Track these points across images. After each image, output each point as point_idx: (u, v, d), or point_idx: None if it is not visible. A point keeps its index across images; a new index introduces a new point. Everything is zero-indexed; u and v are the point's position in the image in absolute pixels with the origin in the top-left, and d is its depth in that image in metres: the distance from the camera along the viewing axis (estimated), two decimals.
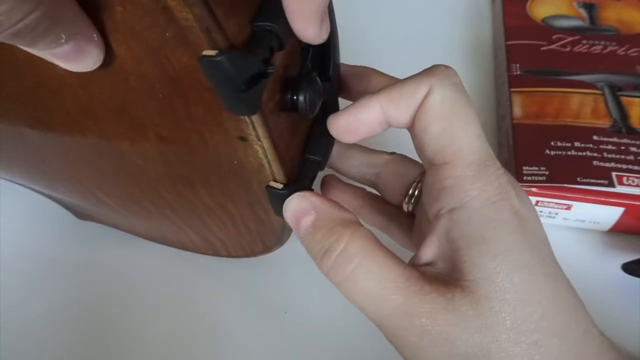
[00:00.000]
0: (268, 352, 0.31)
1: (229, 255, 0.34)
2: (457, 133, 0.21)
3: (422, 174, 0.26)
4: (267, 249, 0.31)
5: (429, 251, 0.22)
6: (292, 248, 0.35)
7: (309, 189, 0.24)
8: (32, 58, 0.18)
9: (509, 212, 0.20)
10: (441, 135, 0.21)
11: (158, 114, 0.21)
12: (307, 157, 0.24)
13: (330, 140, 0.25)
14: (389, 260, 0.20)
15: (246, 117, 0.19)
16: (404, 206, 0.27)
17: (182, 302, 0.33)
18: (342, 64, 0.26)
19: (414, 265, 0.22)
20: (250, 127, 0.20)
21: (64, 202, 0.36)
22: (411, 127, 0.22)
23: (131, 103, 0.21)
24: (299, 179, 0.24)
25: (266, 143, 0.21)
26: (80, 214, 0.36)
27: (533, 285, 0.19)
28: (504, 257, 0.20)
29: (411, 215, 0.27)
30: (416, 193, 0.26)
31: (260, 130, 0.20)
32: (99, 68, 0.19)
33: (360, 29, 0.46)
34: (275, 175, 0.22)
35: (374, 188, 0.28)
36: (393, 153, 0.28)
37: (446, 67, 0.22)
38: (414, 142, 0.23)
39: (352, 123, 0.22)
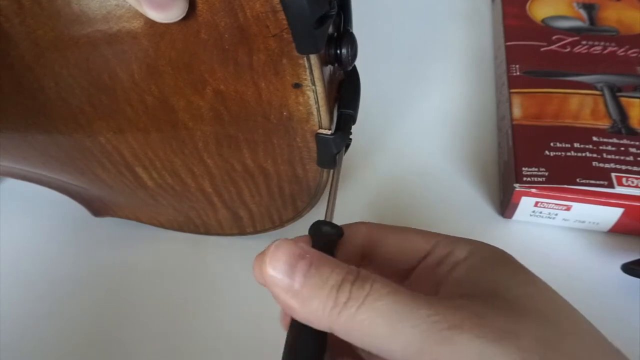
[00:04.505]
0: (269, 351, 0.31)
1: (255, 231, 0.34)
2: None
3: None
4: (298, 213, 0.32)
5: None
6: None
7: (349, 138, 0.27)
8: (109, 22, 0.21)
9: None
10: None
11: (220, 67, 0.23)
12: (342, 112, 0.27)
13: (358, 96, 0.28)
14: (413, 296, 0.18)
15: (304, 61, 0.22)
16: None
17: (181, 301, 0.34)
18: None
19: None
20: (308, 71, 0.22)
21: (83, 196, 0.35)
22: None
23: (197, 57, 0.22)
24: (337, 131, 0.26)
25: (319, 86, 0.23)
26: (99, 209, 0.36)
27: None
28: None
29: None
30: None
31: (316, 73, 0.22)
32: (176, 22, 0.21)
33: (359, 30, 0.46)
34: (322, 122, 0.24)
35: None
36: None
37: None
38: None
39: None
